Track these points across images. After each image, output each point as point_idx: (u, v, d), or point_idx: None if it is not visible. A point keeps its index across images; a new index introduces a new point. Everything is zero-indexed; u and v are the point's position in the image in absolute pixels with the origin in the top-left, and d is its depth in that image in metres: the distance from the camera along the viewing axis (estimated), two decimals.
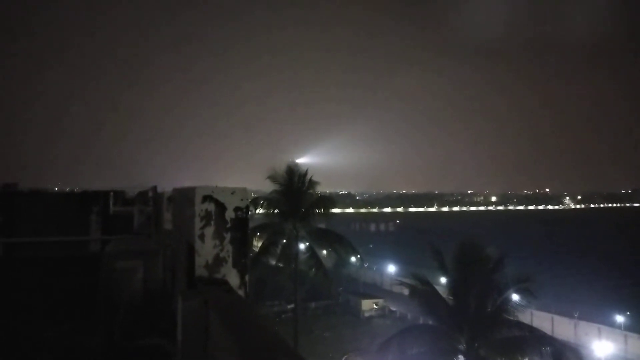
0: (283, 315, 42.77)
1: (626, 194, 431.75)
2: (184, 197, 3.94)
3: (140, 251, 5.08)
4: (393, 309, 49.78)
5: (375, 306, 50.07)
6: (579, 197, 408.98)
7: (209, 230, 3.42)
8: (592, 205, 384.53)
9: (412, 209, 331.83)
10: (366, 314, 48.70)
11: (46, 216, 9.69)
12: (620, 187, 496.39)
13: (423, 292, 19.33)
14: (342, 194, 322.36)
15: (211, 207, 3.43)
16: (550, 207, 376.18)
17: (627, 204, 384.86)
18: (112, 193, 12.35)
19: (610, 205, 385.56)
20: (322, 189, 39.38)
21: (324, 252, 32.12)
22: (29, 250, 8.05)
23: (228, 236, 3.46)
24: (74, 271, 5.29)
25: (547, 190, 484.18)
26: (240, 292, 3.36)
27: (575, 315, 41.52)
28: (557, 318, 42.28)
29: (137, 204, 12.90)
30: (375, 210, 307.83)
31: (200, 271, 3.36)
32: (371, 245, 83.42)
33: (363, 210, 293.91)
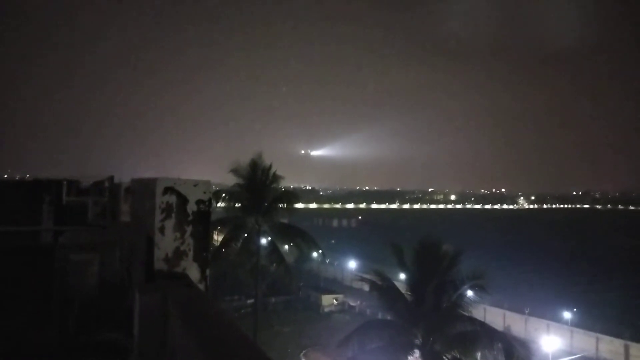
0: (242, 310, 42.53)
1: (577, 196, 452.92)
2: (144, 188, 3.84)
3: (97, 243, 4.93)
4: (352, 304, 50.38)
5: (335, 301, 50.53)
6: (533, 198, 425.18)
7: (170, 223, 3.36)
8: (544, 206, 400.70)
9: (374, 206, 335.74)
10: (326, 309, 49.10)
11: None
12: (572, 189, 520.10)
13: (382, 288, 19.64)
14: (305, 189, 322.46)
15: (172, 199, 3.37)
16: (505, 206, 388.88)
17: (578, 205, 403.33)
18: (65, 182, 11.84)
19: (561, 206, 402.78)
20: (286, 183, 39.26)
21: (286, 247, 32.05)
22: None
23: (189, 229, 3.41)
24: (25, 263, 5.06)
25: (503, 190, 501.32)
26: (201, 287, 3.32)
27: (526, 312, 43.30)
28: (508, 314, 44.00)
29: (92, 195, 12.44)
30: (338, 206, 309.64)
31: (159, 265, 3.30)
32: (333, 241, 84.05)
33: (326, 205, 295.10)
